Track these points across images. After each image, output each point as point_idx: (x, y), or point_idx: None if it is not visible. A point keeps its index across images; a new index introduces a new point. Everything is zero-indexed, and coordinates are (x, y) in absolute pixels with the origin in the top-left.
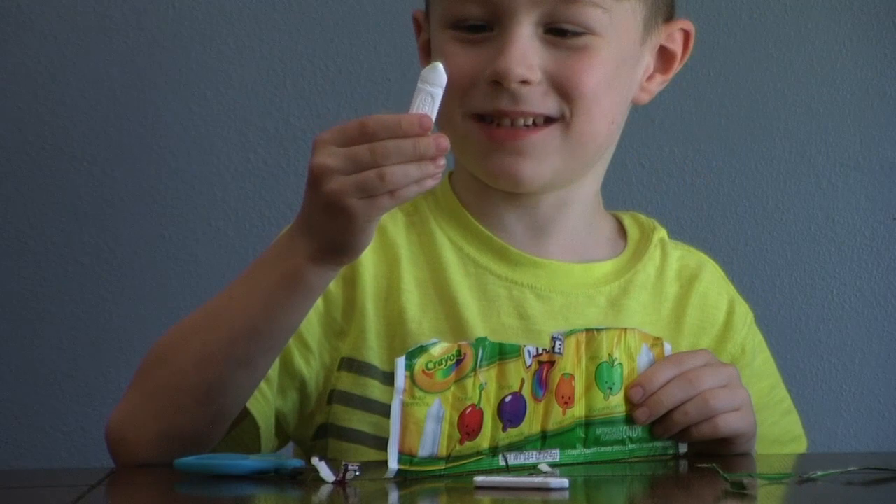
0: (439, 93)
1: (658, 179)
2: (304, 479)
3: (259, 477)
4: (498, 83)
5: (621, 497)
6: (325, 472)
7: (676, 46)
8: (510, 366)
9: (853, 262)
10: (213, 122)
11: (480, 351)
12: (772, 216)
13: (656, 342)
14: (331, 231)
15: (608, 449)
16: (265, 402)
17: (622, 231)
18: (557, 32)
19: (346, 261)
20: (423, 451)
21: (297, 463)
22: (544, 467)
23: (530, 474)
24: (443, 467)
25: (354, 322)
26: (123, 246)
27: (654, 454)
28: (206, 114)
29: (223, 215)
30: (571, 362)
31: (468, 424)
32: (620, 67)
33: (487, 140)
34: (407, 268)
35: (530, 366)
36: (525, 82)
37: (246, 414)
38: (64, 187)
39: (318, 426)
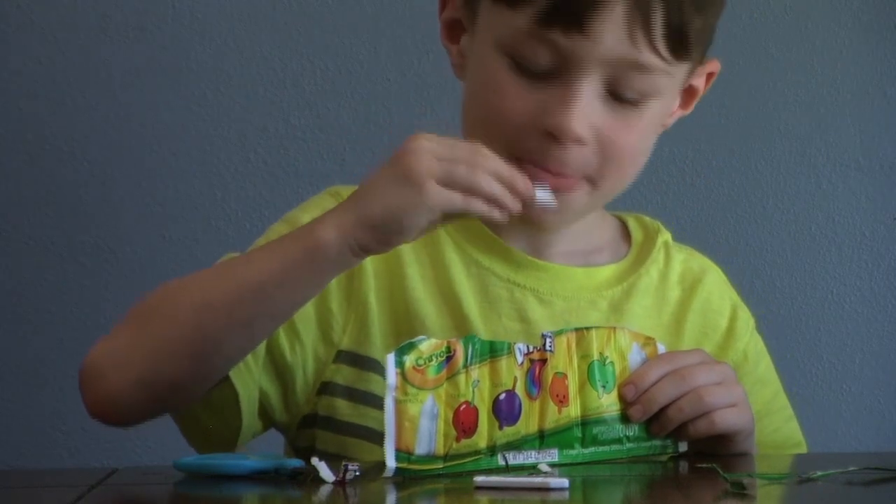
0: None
1: (658, 179)
2: (304, 479)
3: (259, 477)
4: (551, 134)
5: (621, 497)
6: (325, 472)
7: (700, 84)
8: (502, 363)
9: (853, 262)
10: (213, 122)
11: (470, 347)
12: (772, 216)
13: (648, 341)
14: (388, 202)
15: (606, 448)
16: (248, 373)
17: (625, 233)
18: (618, 96)
19: (374, 246)
20: (420, 448)
21: (297, 463)
22: (544, 467)
23: (530, 474)
24: (441, 466)
25: (355, 315)
26: (123, 246)
27: (653, 453)
28: (206, 114)
29: (223, 215)
30: (563, 361)
31: (463, 422)
32: (660, 120)
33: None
34: (411, 265)
35: (522, 363)
36: (579, 142)
37: (227, 381)
38: (64, 187)
39: (303, 416)
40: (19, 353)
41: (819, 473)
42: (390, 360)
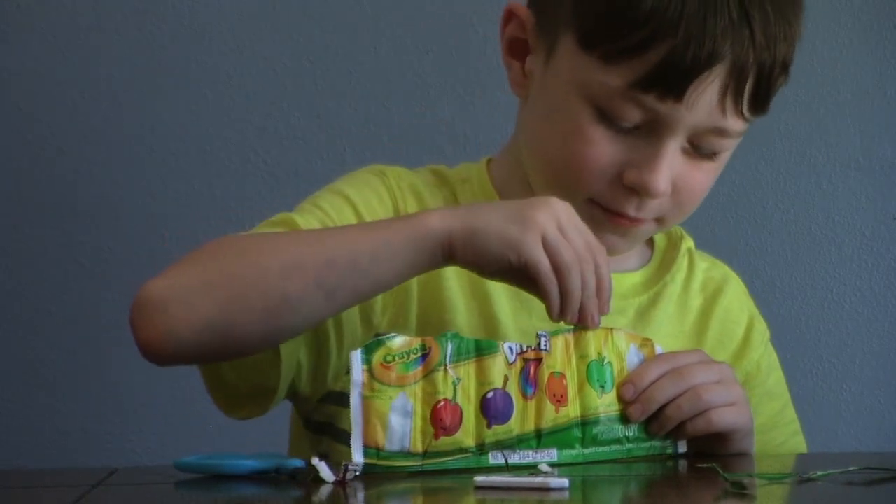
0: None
1: None
2: (304, 479)
3: (259, 477)
4: (633, 189)
5: (621, 497)
6: (325, 472)
7: None
8: (490, 362)
9: (853, 261)
10: (213, 122)
11: (449, 346)
12: (772, 216)
13: (645, 342)
14: (491, 223)
15: (606, 448)
16: (293, 340)
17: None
18: (697, 149)
19: (460, 255)
20: (392, 445)
21: (298, 463)
22: (544, 467)
23: (530, 474)
24: (419, 463)
25: (396, 300)
26: (123, 246)
27: (653, 453)
28: (206, 114)
29: (223, 215)
30: (561, 361)
31: (442, 419)
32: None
33: (605, 219)
34: None
35: (514, 363)
36: (660, 197)
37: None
38: (64, 187)
39: (327, 392)
40: (19, 353)
41: (819, 473)
42: (355, 356)
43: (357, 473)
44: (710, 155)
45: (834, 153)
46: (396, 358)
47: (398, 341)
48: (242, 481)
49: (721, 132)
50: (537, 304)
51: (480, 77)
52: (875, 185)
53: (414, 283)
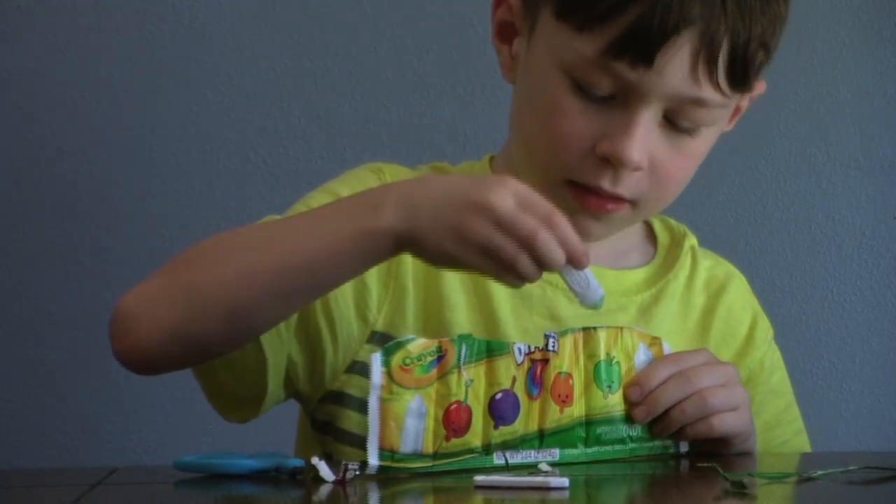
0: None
1: None
2: (304, 479)
3: (259, 477)
4: (607, 160)
5: (621, 496)
6: (325, 471)
7: (746, 102)
8: (499, 363)
9: (853, 261)
10: (213, 122)
11: (463, 348)
12: (772, 216)
13: (654, 341)
14: (435, 240)
15: (609, 448)
16: (279, 339)
17: (651, 235)
18: (674, 124)
19: (413, 253)
20: (406, 447)
21: (298, 463)
22: (544, 466)
23: (530, 473)
24: (430, 464)
25: (392, 297)
26: (123, 246)
27: (655, 453)
28: (206, 114)
29: (223, 215)
30: (569, 360)
31: (454, 421)
32: (710, 146)
33: (576, 202)
34: None
35: (522, 363)
36: (636, 170)
37: (257, 346)
38: (64, 187)
39: (327, 391)
40: (19, 353)
41: (819, 472)
42: (375, 359)
43: (357, 473)
44: (689, 130)
45: (834, 153)
46: (415, 360)
47: (417, 344)
48: (242, 481)
49: (697, 102)
50: (538, 302)
51: (480, 77)
52: (875, 184)
53: (410, 280)
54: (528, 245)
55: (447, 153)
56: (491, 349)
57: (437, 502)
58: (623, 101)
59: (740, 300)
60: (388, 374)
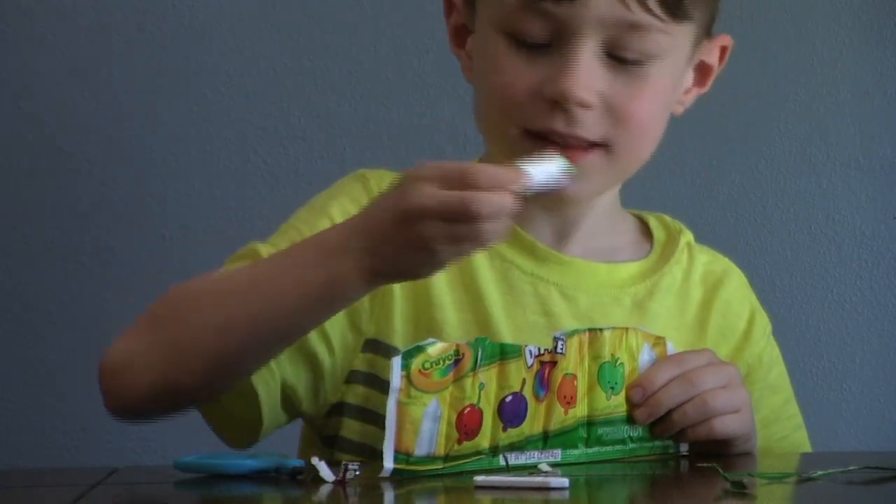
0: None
1: (658, 179)
2: (304, 479)
3: (259, 477)
4: (556, 102)
5: (622, 496)
6: (325, 472)
7: (714, 60)
8: (511, 366)
9: (853, 261)
10: (213, 122)
11: (480, 351)
12: (772, 216)
13: (658, 341)
14: (405, 263)
15: (609, 448)
16: (269, 373)
17: (646, 232)
18: (619, 58)
19: (403, 281)
20: (420, 450)
21: (297, 463)
22: (545, 467)
23: (531, 474)
24: (441, 466)
25: (382, 303)
26: (123, 246)
27: (655, 453)
28: (206, 114)
29: (223, 215)
30: (574, 362)
31: (467, 424)
32: (671, 91)
33: (540, 148)
34: None
35: (531, 366)
36: (584, 106)
37: (247, 383)
38: (64, 187)
39: (331, 405)
40: (19, 353)
41: (819, 472)
42: (396, 362)
43: (357, 474)
44: (637, 62)
45: (834, 153)
46: (434, 364)
47: (436, 348)
48: (242, 481)
49: (633, 27)
50: (530, 299)
51: None
52: (875, 184)
53: (397, 285)
54: (472, 215)
55: (447, 153)
56: (504, 352)
57: (437, 502)
58: (559, 42)
59: (738, 294)
60: (408, 378)
